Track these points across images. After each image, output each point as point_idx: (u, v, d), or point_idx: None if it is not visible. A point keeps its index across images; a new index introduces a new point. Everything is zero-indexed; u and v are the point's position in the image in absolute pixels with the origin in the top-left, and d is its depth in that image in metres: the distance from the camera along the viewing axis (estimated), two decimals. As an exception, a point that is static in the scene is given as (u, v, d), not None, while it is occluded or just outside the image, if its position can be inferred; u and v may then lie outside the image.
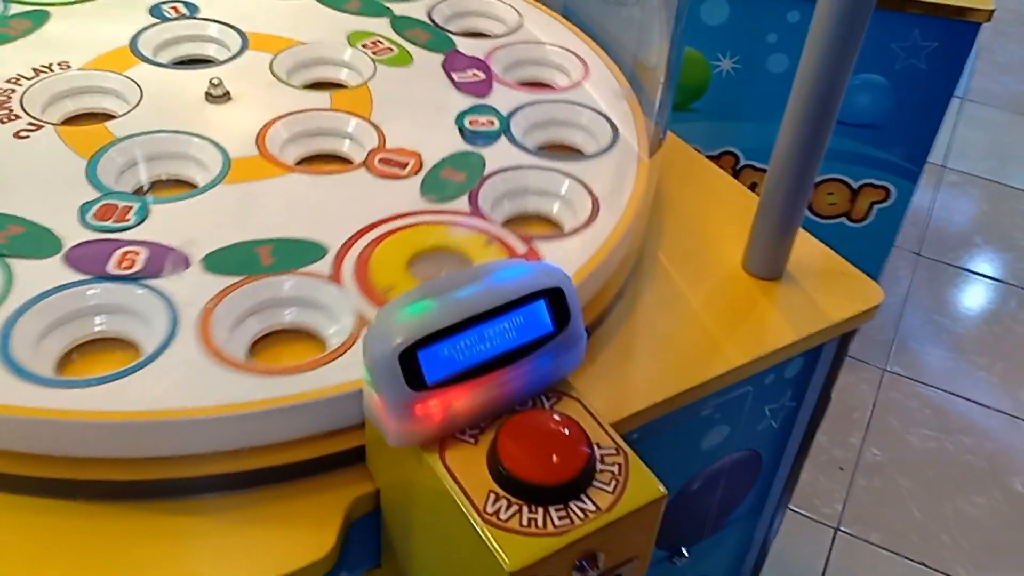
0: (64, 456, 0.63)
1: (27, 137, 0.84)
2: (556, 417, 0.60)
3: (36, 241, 0.73)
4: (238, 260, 0.73)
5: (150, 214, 0.77)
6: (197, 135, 0.85)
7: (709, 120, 1.55)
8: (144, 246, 0.73)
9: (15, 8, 1.01)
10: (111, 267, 0.71)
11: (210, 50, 1.00)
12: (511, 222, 0.83)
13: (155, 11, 1.02)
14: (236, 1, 1.06)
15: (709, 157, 1.58)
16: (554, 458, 0.57)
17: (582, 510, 0.56)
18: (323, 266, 0.73)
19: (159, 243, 0.74)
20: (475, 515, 0.55)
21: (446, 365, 0.57)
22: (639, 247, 0.88)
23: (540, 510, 0.56)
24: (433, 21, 1.07)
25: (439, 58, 1.00)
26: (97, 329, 0.70)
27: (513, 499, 0.56)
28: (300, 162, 0.87)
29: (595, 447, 0.59)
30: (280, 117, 0.88)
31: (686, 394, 0.77)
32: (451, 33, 1.05)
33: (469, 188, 0.82)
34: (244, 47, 0.98)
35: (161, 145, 0.85)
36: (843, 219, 1.62)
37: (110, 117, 0.88)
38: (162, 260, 0.72)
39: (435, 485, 0.58)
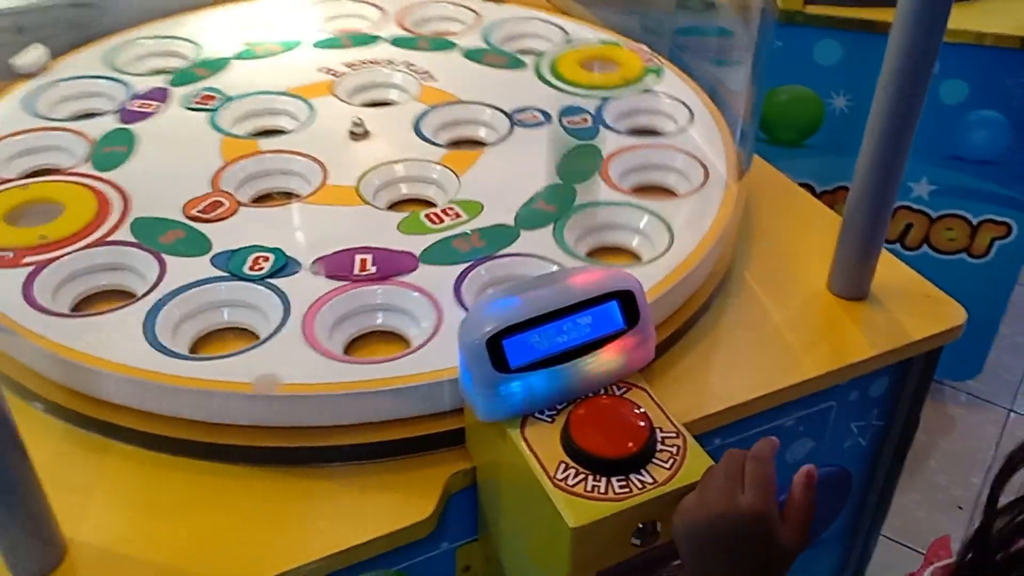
0: (215, 423, 0.76)
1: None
2: (623, 402, 0.68)
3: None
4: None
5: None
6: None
7: (823, 156, 1.59)
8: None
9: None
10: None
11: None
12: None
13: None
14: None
15: (824, 192, 1.62)
16: (617, 435, 0.65)
17: (640, 481, 0.64)
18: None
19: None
20: (547, 480, 0.64)
21: (528, 352, 0.67)
22: (726, 267, 0.95)
23: (603, 479, 0.64)
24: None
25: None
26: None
27: (581, 469, 0.64)
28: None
29: (656, 429, 0.67)
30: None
31: (762, 400, 0.83)
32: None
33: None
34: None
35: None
36: (963, 255, 1.61)
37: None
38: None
39: (515, 456, 0.67)
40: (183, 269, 0.85)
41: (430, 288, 0.83)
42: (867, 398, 0.96)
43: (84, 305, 0.85)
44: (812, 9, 1.46)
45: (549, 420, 0.68)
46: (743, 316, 0.91)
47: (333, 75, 1.14)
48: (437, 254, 0.87)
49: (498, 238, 0.89)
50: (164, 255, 0.86)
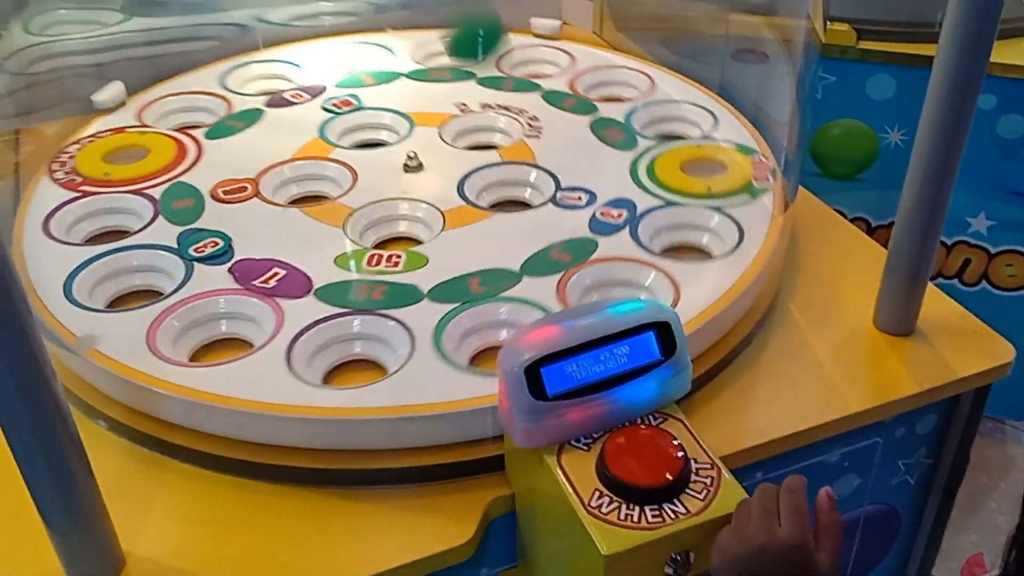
0: (266, 443, 0.79)
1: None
2: (658, 432, 0.70)
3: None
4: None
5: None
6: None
7: (879, 190, 1.58)
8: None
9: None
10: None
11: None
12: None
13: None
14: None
15: (880, 226, 1.61)
16: (652, 464, 0.66)
17: (673, 511, 0.65)
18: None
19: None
20: (581, 508, 0.65)
21: (565, 381, 0.69)
22: (769, 299, 0.95)
23: (637, 508, 0.65)
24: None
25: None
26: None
27: (615, 497, 0.66)
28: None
29: (691, 460, 0.68)
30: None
31: (803, 435, 0.84)
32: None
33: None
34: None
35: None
36: (1024, 292, 1.59)
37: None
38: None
39: (551, 483, 0.68)
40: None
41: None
42: (914, 435, 0.95)
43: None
44: (865, 44, 1.47)
45: (585, 448, 0.70)
46: (786, 349, 0.92)
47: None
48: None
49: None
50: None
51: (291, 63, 1.31)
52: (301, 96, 1.23)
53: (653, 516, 0.64)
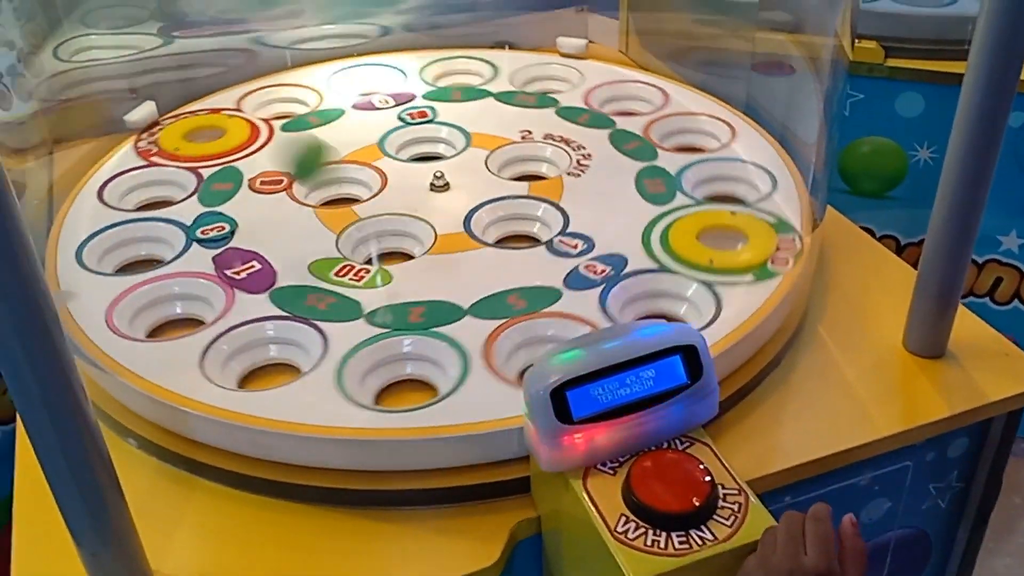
0: (292, 464, 0.79)
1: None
2: (685, 457, 0.69)
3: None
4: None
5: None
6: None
7: (908, 208, 1.57)
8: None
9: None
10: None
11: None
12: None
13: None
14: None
15: (909, 244, 1.60)
16: (679, 490, 0.66)
17: (701, 538, 0.64)
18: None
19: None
20: (607, 533, 0.65)
21: (591, 404, 0.69)
22: (797, 321, 0.94)
23: (663, 534, 0.65)
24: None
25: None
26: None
27: (641, 523, 0.65)
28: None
29: (718, 486, 0.67)
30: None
31: (832, 458, 0.83)
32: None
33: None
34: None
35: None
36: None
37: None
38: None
39: (577, 507, 0.68)
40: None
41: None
42: (945, 459, 0.93)
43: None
44: (893, 62, 1.46)
45: (611, 472, 0.69)
46: (815, 371, 0.91)
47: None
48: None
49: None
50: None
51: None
52: (387, 102, 1.26)
53: (680, 542, 0.64)
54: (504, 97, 1.28)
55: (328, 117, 1.23)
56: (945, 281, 0.88)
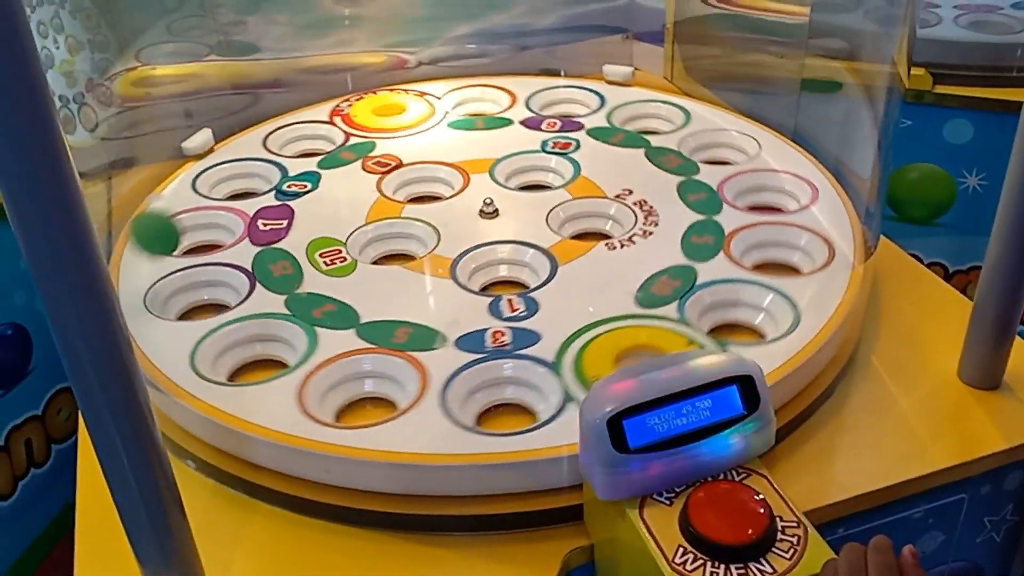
0: (349, 488, 0.80)
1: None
2: (742, 488, 0.69)
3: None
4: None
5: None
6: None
7: (956, 235, 1.55)
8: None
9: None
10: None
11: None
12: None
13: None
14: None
15: (957, 272, 1.58)
16: (737, 521, 0.66)
17: (759, 571, 0.64)
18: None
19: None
20: (664, 564, 0.65)
21: (647, 434, 0.69)
22: (850, 350, 0.94)
23: (722, 567, 0.64)
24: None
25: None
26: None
27: (699, 554, 0.65)
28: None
29: (777, 518, 0.67)
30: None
31: (887, 491, 0.82)
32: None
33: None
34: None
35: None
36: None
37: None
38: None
39: (633, 537, 0.68)
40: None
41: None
42: (1001, 492, 0.92)
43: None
44: (941, 88, 1.45)
45: (668, 502, 0.69)
46: (868, 402, 0.90)
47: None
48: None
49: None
50: (317, 328, 0.92)
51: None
52: (554, 125, 1.27)
53: (739, 575, 0.64)
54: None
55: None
56: (1002, 311, 0.87)
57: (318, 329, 0.91)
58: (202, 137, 1.23)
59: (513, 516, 0.79)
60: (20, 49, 0.49)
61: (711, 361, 0.71)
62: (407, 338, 0.90)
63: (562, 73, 1.44)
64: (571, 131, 1.27)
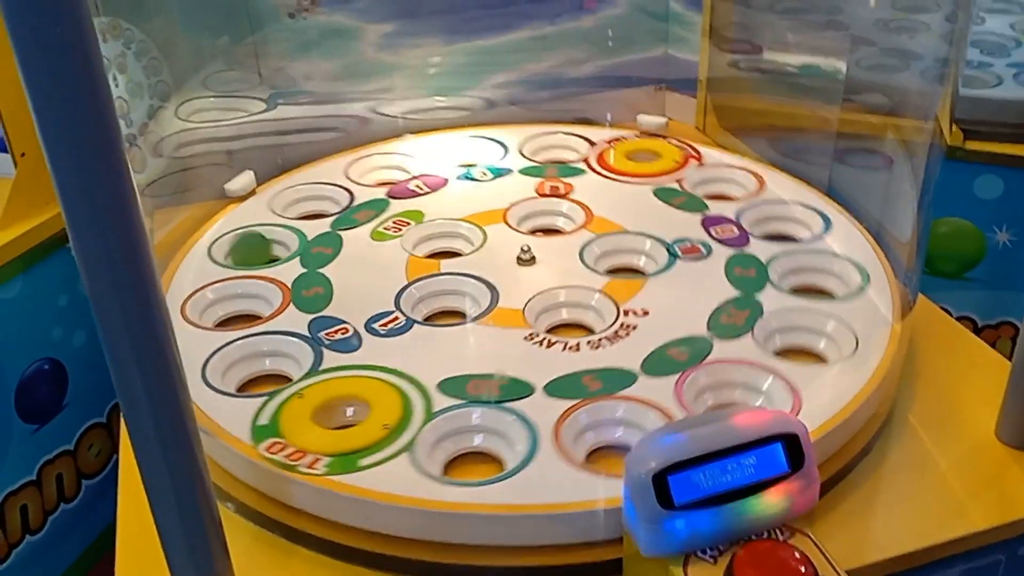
0: (383, 534, 0.80)
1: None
2: (787, 547, 0.69)
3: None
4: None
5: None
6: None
7: (986, 290, 1.55)
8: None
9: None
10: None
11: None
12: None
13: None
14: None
15: (987, 326, 1.58)
16: (782, 582, 0.66)
17: (804, 631, 0.64)
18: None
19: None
20: (710, 623, 0.65)
21: (692, 490, 0.69)
22: (888, 408, 0.94)
23: (767, 626, 0.64)
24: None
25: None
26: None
27: (744, 614, 0.65)
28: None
29: (822, 579, 0.67)
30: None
31: (925, 552, 0.81)
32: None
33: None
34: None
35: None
36: None
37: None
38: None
39: (677, 594, 0.68)
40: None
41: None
42: (1039, 553, 0.91)
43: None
44: (972, 145, 1.46)
45: (712, 560, 0.69)
46: (906, 461, 0.90)
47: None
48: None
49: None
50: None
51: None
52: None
53: (784, 635, 0.64)
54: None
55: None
56: (1042, 371, 0.87)
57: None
58: (244, 179, 1.25)
59: (550, 569, 0.79)
60: (95, 83, 0.48)
61: (756, 418, 0.72)
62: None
63: (607, 122, 1.45)
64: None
